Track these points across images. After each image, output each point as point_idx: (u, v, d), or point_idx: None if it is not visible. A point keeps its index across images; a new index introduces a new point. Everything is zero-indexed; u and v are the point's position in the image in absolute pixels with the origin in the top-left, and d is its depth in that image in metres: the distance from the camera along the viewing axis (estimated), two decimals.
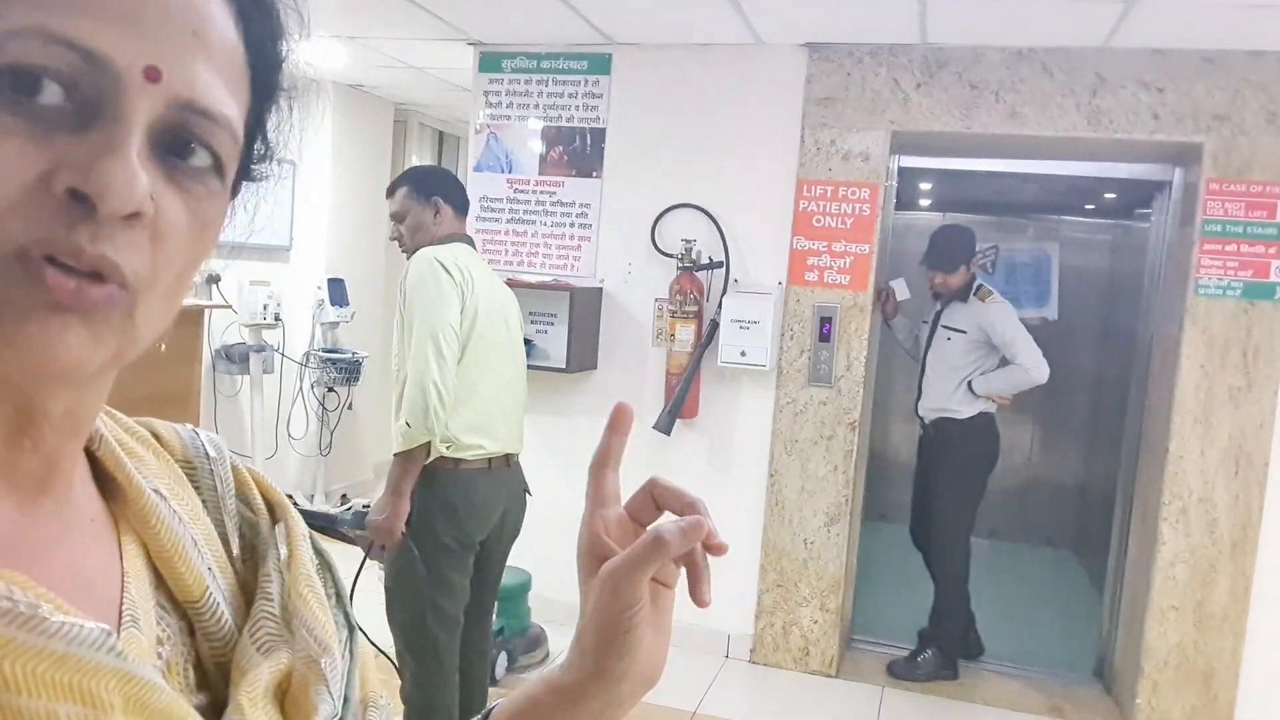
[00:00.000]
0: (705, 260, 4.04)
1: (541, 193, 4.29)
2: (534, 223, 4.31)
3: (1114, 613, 4.17)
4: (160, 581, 0.50)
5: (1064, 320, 5.53)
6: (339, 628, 0.55)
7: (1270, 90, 3.53)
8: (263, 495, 0.59)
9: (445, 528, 2.67)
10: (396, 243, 2.89)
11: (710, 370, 4.06)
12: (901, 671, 4.08)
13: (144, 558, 0.50)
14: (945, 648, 4.08)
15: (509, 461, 2.83)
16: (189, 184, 0.44)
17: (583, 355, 4.14)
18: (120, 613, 0.46)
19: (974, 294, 4.05)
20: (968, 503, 4.11)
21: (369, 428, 6.04)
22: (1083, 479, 6.02)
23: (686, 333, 3.99)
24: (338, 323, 5.41)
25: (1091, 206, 5.95)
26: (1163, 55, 3.59)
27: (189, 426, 0.59)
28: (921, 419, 4.23)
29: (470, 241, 2.85)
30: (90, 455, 0.50)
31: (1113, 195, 5.56)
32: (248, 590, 0.54)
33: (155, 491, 0.51)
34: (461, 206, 2.86)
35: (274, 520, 0.58)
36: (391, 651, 2.78)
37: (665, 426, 3.97)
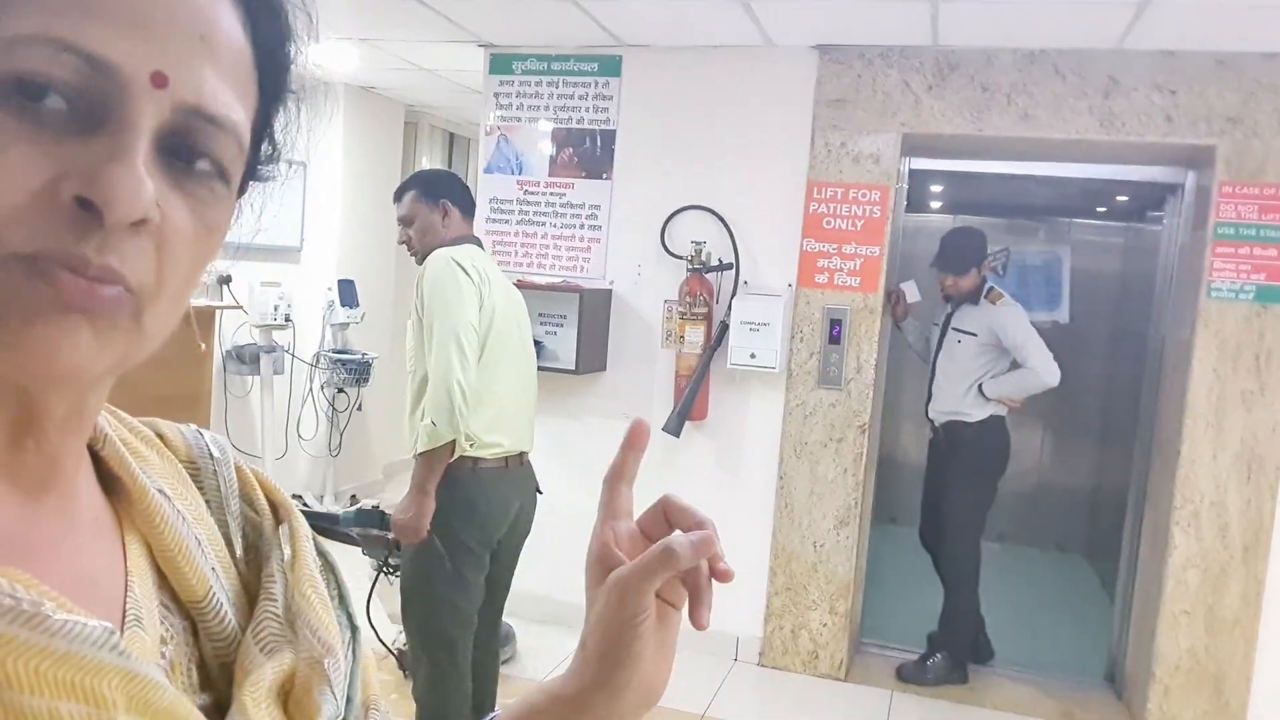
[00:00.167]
0: (715, 262, 4.03)
1: (551, 194, 4.29)
2: (544, 224, 4.31)
3: (1125, 617, 4.15)
4: (164, 581, 0.50)
5: (1075, 323, 5.51)
6: (342, 628, 0.55)
7: None
8: (266, 496, 0.59)
9: (465, 527, 2.69)
10: (405, 246, 2.91)
11: (720, 372, 4.05)
12: (911, 675, 4.06)
13: (147, 557, 0.50)
14: (955, 652, 4.06)
15: (522, 460, 2.86)
16: (195, 189, 0.44)
17: (592, 357, 4.14)
18: (124, 612, 0.47)
19: (985, 297, 4.04)
20: (978, 506, 4.10)
21: (378, 428, 6.06)
22: (1094, 483, 5.99)
23: (696, 334, 3.99)
24: (348, 324, 5.42)
25: (1103, 209, 5.93)
26: (1175, 57, 3.58)
27: (193, 427, 0.59)
28: (932, 422, 4.21)
29: (479, 243, 2.88)
30: (94, 454, 0.50)
31: (1125, 198, 5.53)
32: (251, 591, 0.54)
33: (159, 491, 0.51)
34: (468, 208, 2.89)
35: (277, 521, 0.58)
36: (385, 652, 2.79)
37: (674, 428, 3.96)
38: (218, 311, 4.68)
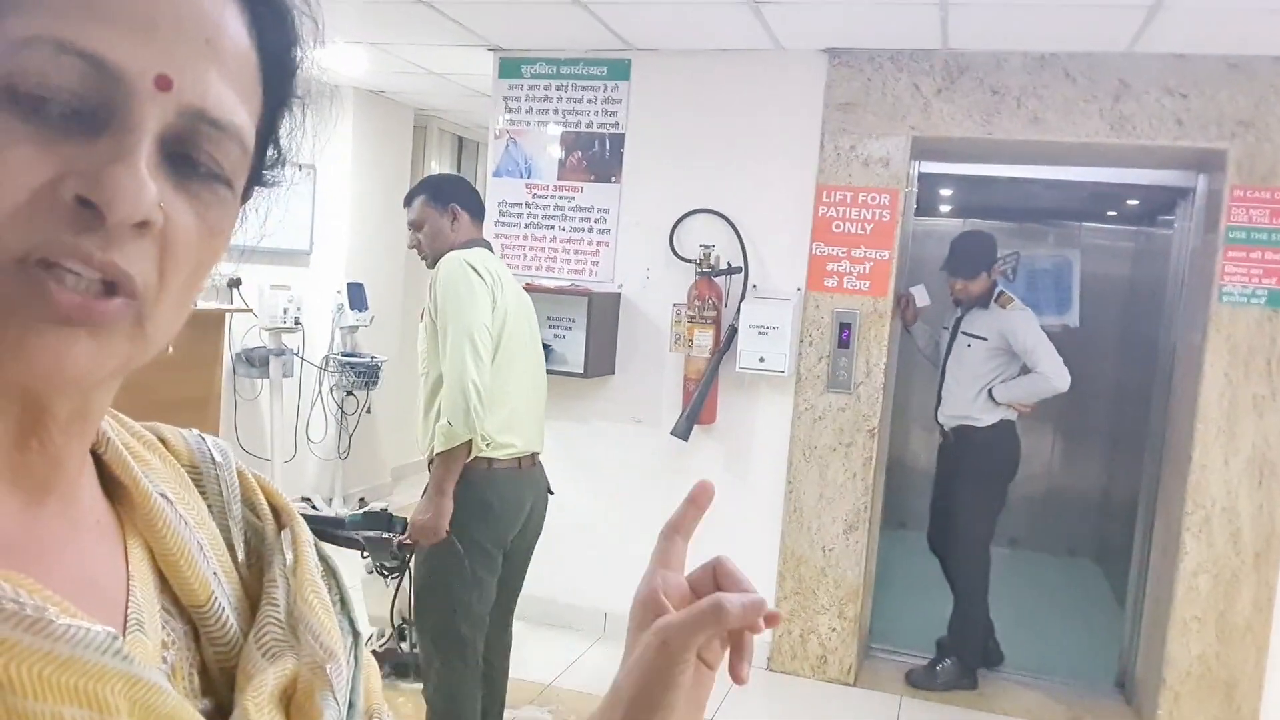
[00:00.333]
0: (724, 265, 4.03)
1: (560, 198, 4.30)
2: (552, 228, 4.31)
3: (1135, 623, 4.13)
4: (165, 585, 0.50)
5: (1086, 328, 5.48)
6: (344, 633, 0.55)
7: None
8: (268, 501, 0.59)
9: (480, 528, 2.71)
10: (416, 250, 2.94)
11: (728, 376, 4.05)
12: (920, 681, 4.05)
13: (149, 561, 0.50)
14: (965, 657, 4.05)
15: (534, 460, 2.88)
16: (198, 192, 0.44)
17: (601, 360, 4.14)
18: (125, 616, 0.46)
19: (995, 300, 4.02)
20: (988, 511, 4.08)
21: (387, 431, 6.07)
22: (1104, 488, 5.97)
23: (705, 338, 3.99)
24: (357, 327, 5.44)
25: (1114, 213, 5.91)
26: (1187, 61, 3.56)
27: (195, 432, 0.59)
28: (941, 426, 4.20)
29: (489, 246, 2.90)
30: (97, 459, 0.50)
31: (1135, 202, 5.51)
32: (253, 596, 0.54)
33: (161, 495, 0.51)
34: (477, 212, 2.91)
35: (279, 526, 0.58)
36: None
37: (683, 432, 3.96)
38: (227, 314, 4.70)
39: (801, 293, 4.00)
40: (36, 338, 0.39)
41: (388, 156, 5.98)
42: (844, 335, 3.95)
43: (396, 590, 3.77)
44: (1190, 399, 3.67)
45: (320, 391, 5.44)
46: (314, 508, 4.45)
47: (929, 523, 4.36)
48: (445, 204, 2.83)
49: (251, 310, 4.82)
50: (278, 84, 0.49)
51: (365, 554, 3.48)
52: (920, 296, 4.18)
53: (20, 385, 0.42)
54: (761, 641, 4.10)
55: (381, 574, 3.74)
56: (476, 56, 4.39)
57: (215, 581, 0.51)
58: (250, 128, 0.46)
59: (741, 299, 4.02)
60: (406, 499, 5.17)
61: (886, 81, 3.86)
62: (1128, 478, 4.92)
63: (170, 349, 0.48)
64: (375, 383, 5.39)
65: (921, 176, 4.18)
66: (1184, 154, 3.75)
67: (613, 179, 4.22)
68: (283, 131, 0.51)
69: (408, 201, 2.91)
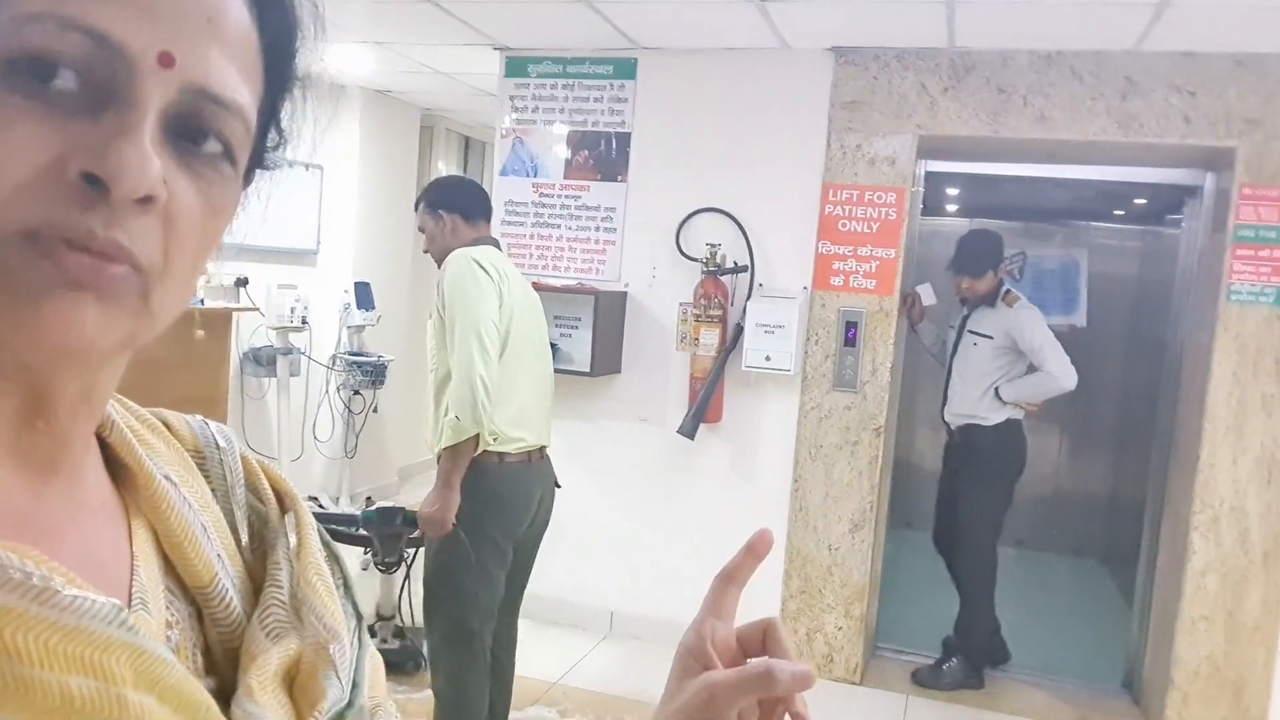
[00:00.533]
0: (730, 264, 4.03)
1: (566, 197, 4.30)
2: (559, 227, 4.32)
3: (1143, 623, 4.11)
4: (169, 567, 0.51)
5: (1093, 327, 5.47)
6: (347, 616, 0.55)
7: None
8: (272, 486, 0.59)
9: (491, 521, 2.75)
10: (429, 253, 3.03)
11: (734, 375, 4.05)
12: (926, 680, 4.04)
13: (153, 543, 0.50)
14: (971, 657, 4.04)
15: (543, 454, 2.92)
16: (201, 169, 0.44)
17: (607, 359, 4.14)
18: (130, 596, 0.47)
19: (1001, 299, 4.02)
20: (994, 511, 4.07)
21: (394, 431, 6.08)
22: (1112, 487, 5.95)
23: (711, 337, 3.99)
24: (364, 326, 5.44)
25: (1121, 212, 5.89)
26: (1194, 58, 3.55)
27: (199, 417, 0.59)
28: (948, 425, 4.19)
29: (497, 244, 2.94)
30: (102, 441, 0.51)
31: (1143, 200, 5.50)
32: (256, 579, 0.55)
33: (166, 478, 0.51)
34: (477, 214, 2.94)
35: (283, 510, 0.58)
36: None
37: (689, 431, 3.96)
38: (234, 314, 4.71)
39: (807, 291, 4.00)
40: (46, 302, 0.40)
41: (394, 156, 5.98)
42: (850, 334, 3.95)
43: (404, 586, 3.79)
44: (1198, 398, 3.66)
45: (327, 391, 5.45)
46: (320, 507, 4.47)
47: (935, 522, 4.35)
48: (436, 210, 2.90)
49: (259, 310, 4.83)
50: (279, 66, 0.49)
51: (367, 550, 3.51)
52: (926, 295, 4.18)
53: (27, 361, 0.42)
54: None
55: (380, 569, 3.77)
56: (483, 56, 4.40)
57: (219, 563, 0.52)
58: (252, 107, 0.47)
59: (748, 298, 4.02)
60: (413, 498, 5.17)
61: (893, 80, 3.86)
62: (1135, 477, 4.90)
63: (200, 333, 0.48)
64: (382, 382, 5.40)
65: (928, 175, 4.18)
66: (1192, 152, 3.74)
67: (619, 178, 4.22)
68: (284, 114, 0.52)
69: (415, 207, 3.01)
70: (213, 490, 0.56)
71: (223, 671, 0.50)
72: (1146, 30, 3.36)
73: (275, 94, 0.50)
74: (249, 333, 4.96)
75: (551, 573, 4.09)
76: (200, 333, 4.06)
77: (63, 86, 0.40)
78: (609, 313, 4.12)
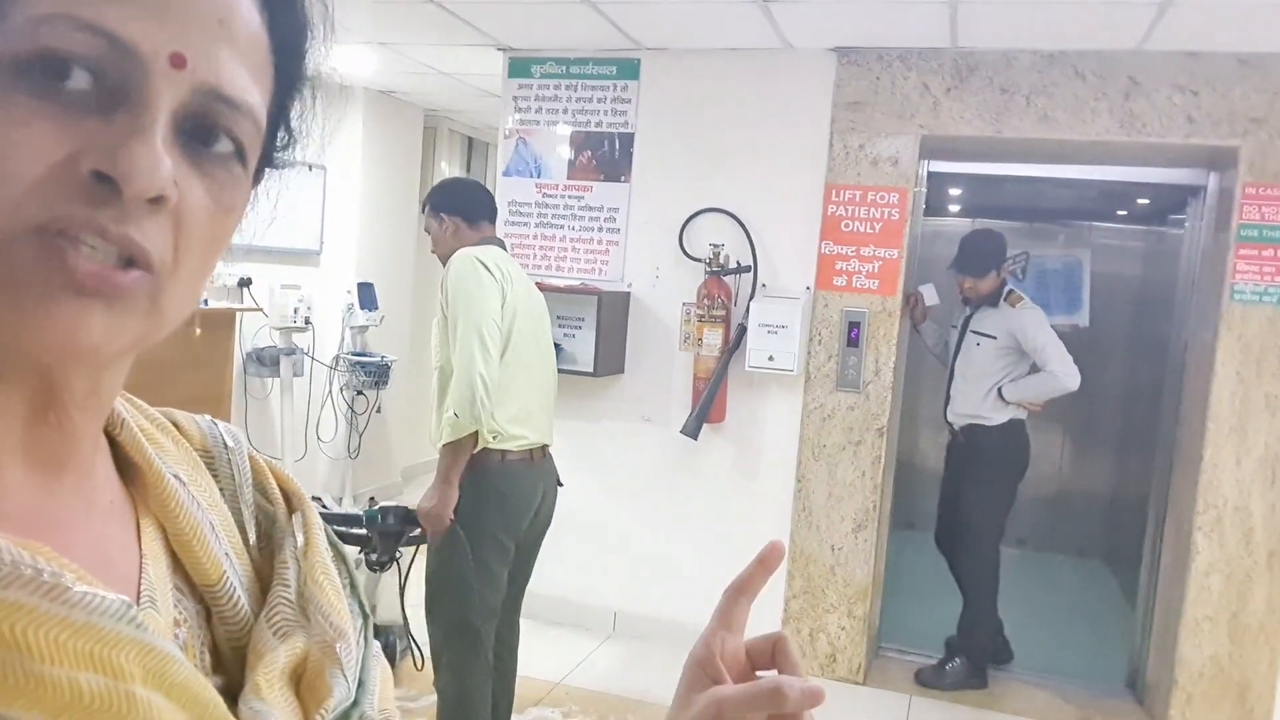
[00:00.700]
0: (733, 265, 4.03)
1: (570, 197, 4.30)
2: (562, 227, 4.32)
3: (1147, 623, 4.11)
4: (177, 565, 0.51)
5: (1096, 327, 5.46)
6: (354, 615, 0.56)
7: None
8: (279, 485, 0.60)
9: (495, 519, 2.77)
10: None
11: (738, 375, 4.05)
12: (929, 680, 4.04)
13: (162, 541, 0.51)
14: (974, 657, 4.04)
15: (545, 452, 2.94)
16: (212, 169, 0.45)
17: (610, 359, 4.15)
18: (138, 593, 0.47)
19: (1004, 299, 4.02)
20: (997, 511, 4.07)
21: (397, 431, 6.08)
22: (1115, 488, 5.94)
23: (714, 337, 3.99)
24: (367, 326, 5.45)
25: (1124, 212, 5.88)
26: (1197, 58, 3.55)
27: (207, 417, 0.60)
28: (950, 425, 4.19)
29: (502, 244, 2.96)
30: (111, 440, 0.51)
31: (1146, 200, 5.49)
32: (264, 578, 0.55)
33: (174, 476, 0.52)
34: (474, 215, 2.96)
35: (290, 510, 0.59)
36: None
37: (692, 431, 3.96)
38: (238, 314, 4.72)
39: (811, 292, 4.00)
40: (54, 306, 0.40)
41: (398, 157, 5.99)
42: (853, 334, 3.95)
43: (404, 585, 3.78)
44: (1201, 398, 3.66)
45: (330, 391, 5.46)
46: (324, 507, 4.47)
47: (937, 522, 4.35)
48: (438, 213, 2.94)
49: (262, 310, 4.83)
50: (288, 67, 0.50)
51: (362, 550, 3.52)
52: (929, 295, 4.17)
53: (36, 359, 0.42)
54: None
55: (372, 568, 3.77)
56: (486, 56, 4.40)
57: (227, 562, 0.52)
58: (262, 107, 0.47)
59: (751, 298, 4.02)
60: (416, 498, 5.18)
61: (895, 80, 3.85)
62: (1138, 477, 4.90)
63: (198, 331, 0.48)
64: (385, 382, 5.40)
65: (930, 175, 4.18)
66: (1195, 152, 3.73)
67: (622, 178, 4.22)
68: (293, 114, 0.52)
69: (422, 209, 3.06)
70: (221, 489, 0.56)
71: (230, 670, 0.51)
72: (1149, 30, 3.36)
73: (285, 93, 0.50)
74: (252, 333, 4.96)
75: (555, 573, 4.09)
76: (198, 330, 4.06)
77: (76, 87, 0.40)
78: (612, 313, 4.13)
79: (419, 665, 3.44)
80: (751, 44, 3.93)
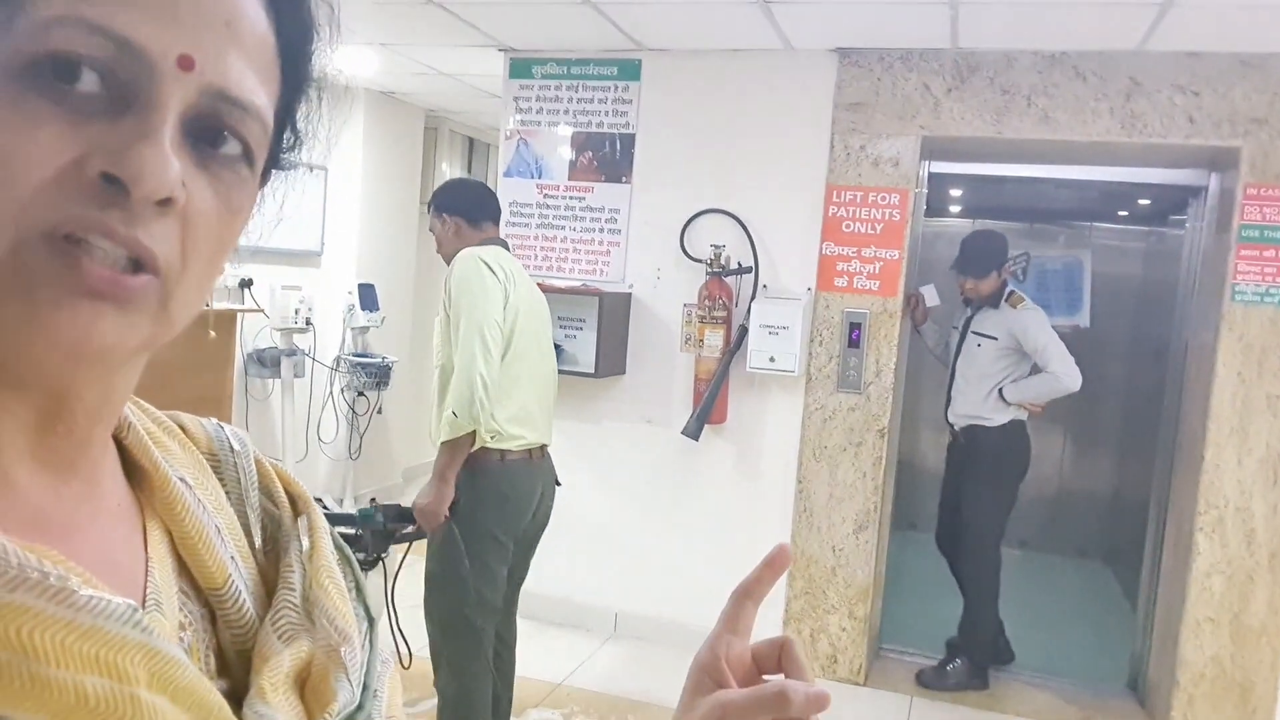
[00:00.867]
0: (734, 265, 4.03)
1: (571, 198, 4.30)
2: (563, 228, 4.32)
3: (1148, 624, 4.11)
4: (183, 569, 0.51)
5: (1097, 328, 5.46)
6: (359, 619, 0.56)
7: None
8: (285, 489, 0.60)
9: (494, 518, 2.79)
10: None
11: (739, 376, 4.05)
12: (931, 681, 4.04)
13: (168, 544, 0.51)
14: (975, 657, 4.04)
15: (543, 452, 2.96)
16: (219, 171, 0.45)
17: (611, 360, 4.15)
18: (144, 597, 0.47)
19: (1005, 300, 4.01)
20: (998, 512, 4.07)
21: (398, 432, 6.08)
22: (1116, 488, 5.94)
23: (715, 338, 3.99)
24: (368, 327, 5.45)
25: (1125, 212, 5.88)
26: (1199, 58, 3.55)
27: (214, 420, 0.60)
28: (951, 426, 4.19)
29: (505, 245, 2.97)
30: (118, 443, 0.51)
31: (1147, 201, 5.49)
32: (269, 581, 0.55)
33: (181, 480, 0.52)
34: (476, 216, 2.97)
35: (296, 514, 0.59)
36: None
37: (694, 432, 3.96)
38: (239, 315, 4.72)
39: (812, 293, 4.00)
40: (65, 310, 0.40)
41: (399, 158, 5.99)
42: (854, 335, 3.95)
43: (394, 584, 3.78)
44: (1202, 399, 3.66)
45: (331, 392, 5.46)
46: (325, 508, 4.47)
47: (938, 523, 4.35)
48: (440, 214, 2.96)
49: (263, 311, 4.83)
50: (295, 68, 0.50)
51: (367, 543, 3.52)
52: (930, 296, 4.17)
53: (47, 365, 0.42)
54: None
55: (360, 566, 3.77)
56: (487, 57, 4.40)
57: (232, 565, 0.52)
58: (269, 109, 0.47)
59: (752, 299, 4.02)
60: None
61: (896, 81, 3.85)
62: (1139, 478, 4.89)
63: (212, 333, 0.49)
64: (386, 383, 5.40)
65: (931, 176, 4.18)
66: (1196, 152, 3.73)
67: (623, 179, 4.22)
68: (300, 115, 0.52)
69: (427, 208, 3.07)
70: (227, 493, 0.56)
71: (235, 673, 0.51)
72: (1150, 30, 3.35)
73: (292, 95, 0.50)
74: (253, 334, 4.97)
75: (556, 573, 4.09)
76: (212, 333, 4.09)
77: (85, 89, 0.41)
78: (613, 314, 4.13)
79: (406, 664, 3.44)
80: (752, 45, 3.93)
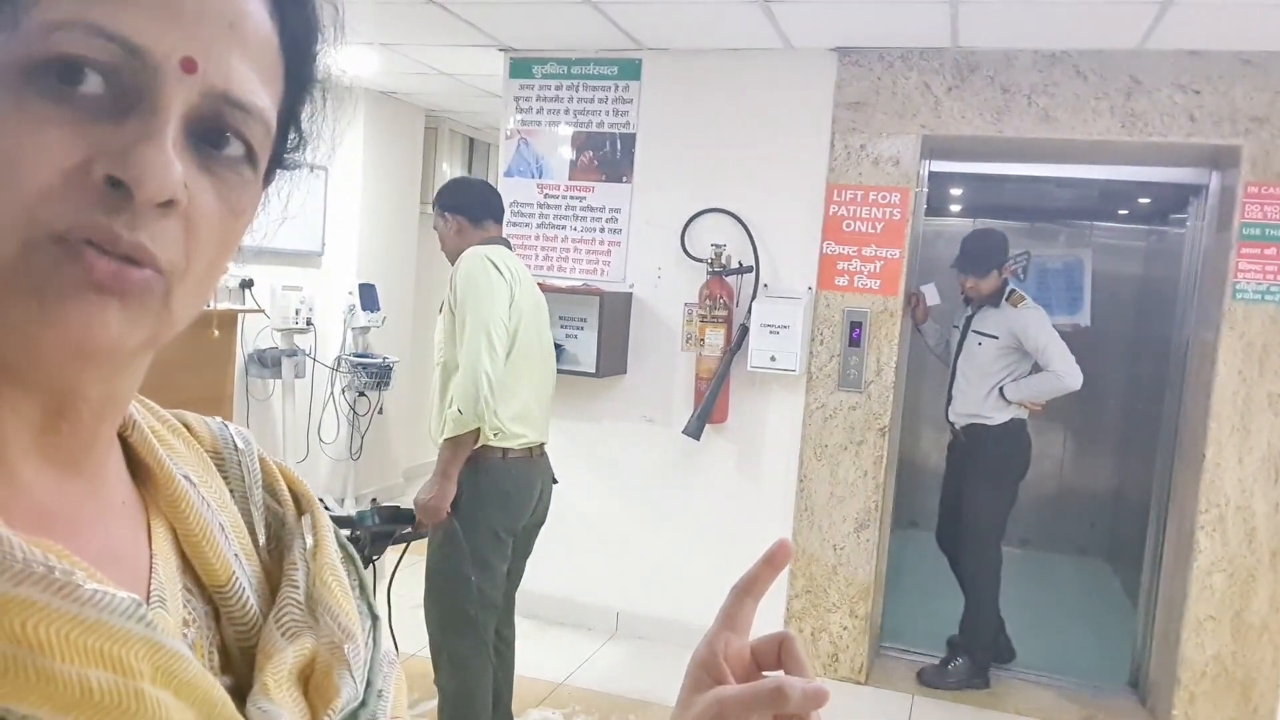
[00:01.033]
0: (735, 265, 4.03)
1: (572, 198, 4.30)
2: (564, 228, 4.32)
3: (1149, 622, 4.11)
4: (187, 566, 0.51)
5: (1097, 327, 5.46)
6: (362, 617, 0.56)
7: None
8: (289, 487, 0.60)
9: (496, 515, 2.81)
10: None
11: (740, 375, 4.05)
12: (932, 679, 4.04)
13: (172, 541, 0.51)
14: (976, 656, 4.04)
15: (542, 450, 2.99)
16: (222, 173, 0.45)
17: (612, 360, 4.15)
18: (148, 593, 0.47)
19: (1006, 299, 4.01)
20: (999, 510, 4.07)
21: (399, 432, 6.08)
22: (1117, 487, 5.94)
23: (716, 337, 3.99)
24: (369, 327, 5.45)
25: (1125, 211, 5.88)
26: (1199, 57, 3.55)
27: (218, 419, 0.60)
28: (952, 425, 4.19)
29: (508, 244, 3.00)
30: (123, 441, 0.51)
31: (1147, 200, 5.49)
32: (273, 579, 0.55)
33: (185, 478, 0.52)
34: (477, 215, 2.98)
35: (299, 512, 0.59)
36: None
37: (695, 431, 3.96)
38: (240, 315, 4.72)
39: (812, 292, 4.00)
40: (71, 303, 0.41)
41: (399, 158, 5.99)
42: (855, 334, 3.95)
43: (390, 583, 3.78)
44: (1203, 397, 3.66)
45: (332, 392, 5.46)
46: (326, 508, 4.47)
47: (939, 521, 4.35)
48: (443, 212, 2.98)
49: (263, 311, 4.83)
50: (299, 69, 0.50)
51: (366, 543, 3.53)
52: (930, 295, 4.18)
53: (52, 363, 0.42)
54: None
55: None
56: (487, 57, 4.40)
57: (236, 563, 0.52)
58: (272, 110, 0.47)
59: (753, 298, 4.02)
60: None
61: (897, 80, 3.86)
62: (1140, 476, 4.90)
63: (215, 333, 0.49)
64: (387, 383, 5.40)
65: (932, 175, 4.18)
66: (1197, 151, 3.73)
67: (624, 179, 4.22)
68: (303, 116, 0.52)
69: (432, 207, 3.09)
70: (231, 491, 0.57)
71: (239, 670, 0.51)
72: (1151, 29, 3.35)
73: (295, 95, 0.51)
74: (254, 334, 4.97)
75: (558, 573, 4.10)
76: (216, 332, 4.10)
77: (88, 91, 0.41)
78: (614, 313, 4.13)
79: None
80: (753, 44, 3.93)
